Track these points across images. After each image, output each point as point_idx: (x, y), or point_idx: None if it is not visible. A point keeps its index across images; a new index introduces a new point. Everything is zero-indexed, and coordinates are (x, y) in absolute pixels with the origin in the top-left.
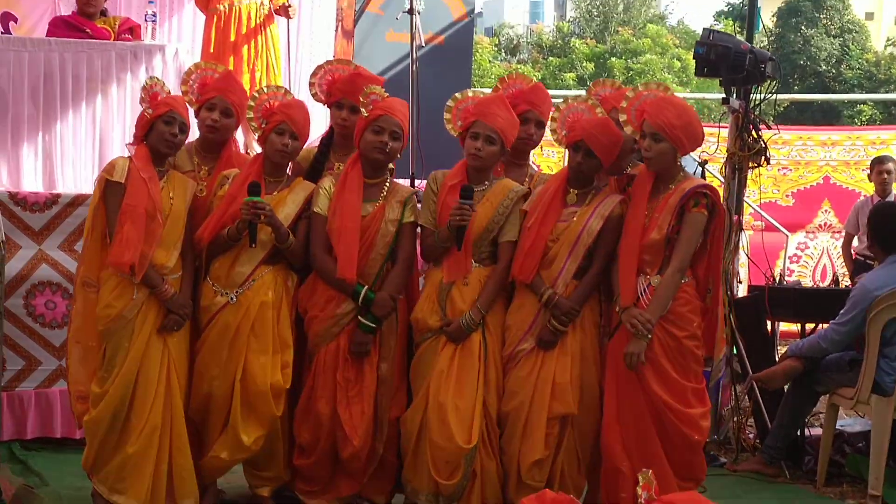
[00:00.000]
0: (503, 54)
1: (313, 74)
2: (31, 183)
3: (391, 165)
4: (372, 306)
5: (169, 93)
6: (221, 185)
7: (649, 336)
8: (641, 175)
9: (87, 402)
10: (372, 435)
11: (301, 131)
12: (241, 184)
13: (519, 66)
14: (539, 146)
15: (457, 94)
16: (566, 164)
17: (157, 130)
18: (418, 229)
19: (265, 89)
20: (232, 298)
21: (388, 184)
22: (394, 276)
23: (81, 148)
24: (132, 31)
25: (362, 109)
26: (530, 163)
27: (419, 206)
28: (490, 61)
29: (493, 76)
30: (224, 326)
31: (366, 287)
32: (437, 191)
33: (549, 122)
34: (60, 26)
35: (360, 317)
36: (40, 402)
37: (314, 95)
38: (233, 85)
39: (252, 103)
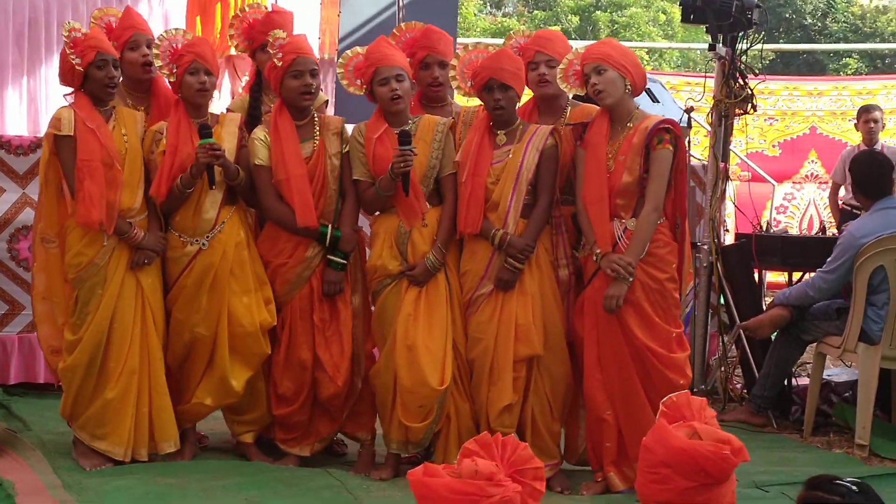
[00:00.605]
0: (488, 7)
1: (230, 26)
2: (16, 127)
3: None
4: (340, 243)
5: (85, 34)
6: (157, 142)
7: (631, 278)
8: (596, 119)
9: (60, 355)
10: (351, 371)
11: (213, 66)
12: (175, 134)
13: (504, 20)
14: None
15: (340, 59)
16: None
17: (92, 78)
18: (354, 177)
19: (164, 34)
20: (204, 244)
21: (317, 119)
22: (349, 209)
23: (66, 93)
24: None
25: (274, 60)
26: (454, 101)
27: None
28: (475, 14)
29: (478, 29)
30: (201, 273)
31: (330, 226)
32: (364, 143)
33: (451, 80)
34: None
35: (329, 256)
36: (23, 346)
37: (236, 46)
38: (138, 19)
39: (156, 51)
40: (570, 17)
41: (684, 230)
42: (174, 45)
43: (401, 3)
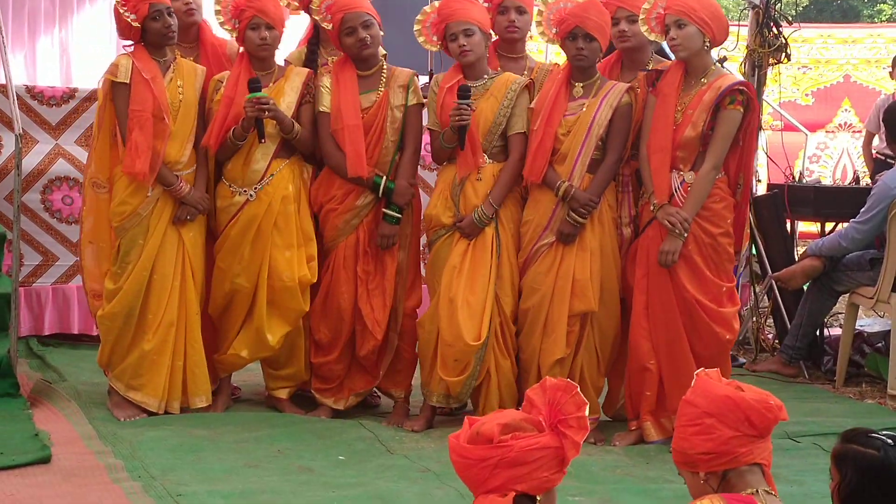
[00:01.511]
0: None
1: None
2: (48, 77)
3: (383, 52)
4: (393, 195)
5: None
6: (216, 90)
7: (685, 235)
8: (671, 69)
9: (101, 300)
10: (388, 327)
11: (275, 20)
12: (234, 85)
13: None
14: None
15: (418, 16)
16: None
17: (150, 30)
18: (426, 124)
19: None
20: (251, 195)
21: (385, 70)
22: (406, 162)
23: (98, 42)
24: None
25: (323, 24)
26: (528, 54)
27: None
28: None
29: None
30: (246, 223)
31: (384, 177)
32: (437, 93)
33: (537, 26)
34: None
35: (384, 209)
36: (57, 297)
37: (287, 4)
38: None
39: (218, 6)
40: None
41: (747, 190)
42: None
43: None
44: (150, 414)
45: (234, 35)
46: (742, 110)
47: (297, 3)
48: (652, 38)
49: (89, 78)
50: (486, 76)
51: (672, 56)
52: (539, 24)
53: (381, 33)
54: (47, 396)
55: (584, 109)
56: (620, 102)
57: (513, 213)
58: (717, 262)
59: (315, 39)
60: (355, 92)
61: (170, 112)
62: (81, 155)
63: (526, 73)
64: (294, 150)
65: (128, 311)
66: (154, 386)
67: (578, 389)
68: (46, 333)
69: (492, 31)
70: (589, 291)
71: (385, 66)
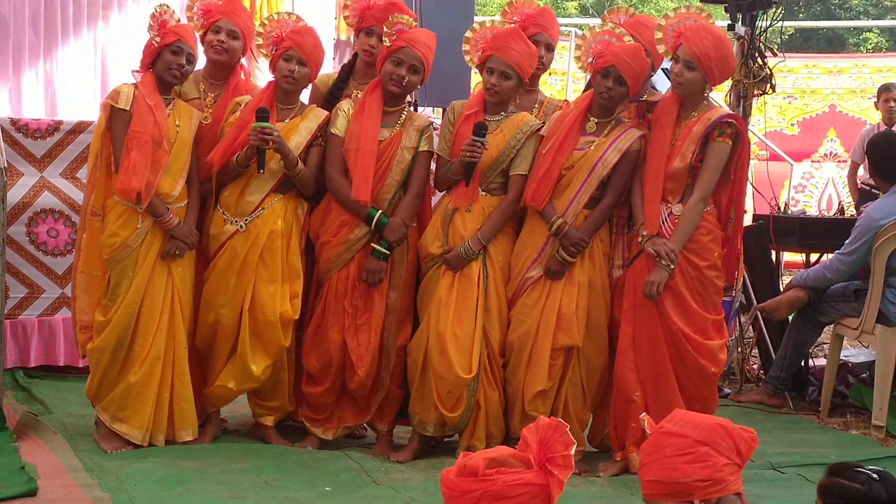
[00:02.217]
0: None
1: None
2: (33, 110)
3: (408, 98)
4: (385, 231)
5: (178, 21)
6: (233, 112)
7: (672, 266)
8: (666, 101)
9: (89, 332)
10: (378, 364)
11: (310, 57)
12: (251, 110)
13: None
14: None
15: (475, 25)
16: (588, 90)
17: (164, 59)
18: (433, 159)
19: (276, 16)
20: (241, 226)
21: (405, 112)
22: (406, 203)
23: (83, 75)
24: None
25: (385, 38)
26: (539, 89)
27: (436, 136)
28: None
29: (495, 4)
30: (233, 254)
31: (379, 211)
32: (454, 120)
33: (573, 50)
34: None
35: (373, 244)
36: (43, 330)
37: (346, 18)
38: (237, 7)
39: (261, 30)
40: None
41: (738, 224)
42: (280, 28)
43: None
44: (137, 446)
45: (269, 61)
46: (731, 143)
47: (352, 22)
48: (661, 50)
49: (74, 111)
50: (503, 113)
51: (660, 87)
52: (578, 47)
53: (420, 85)
54: (33, 429)
55: (593, 148)
56: (630, 148)
57: (503, 246)
58: (704, 294)
59: (349, 67)
60: (378, 120)
61: (169, 140)
62: (66, 187)
63: (536, 105)
64: (292, 188)
65: (117, 344)
66: (139, 418)
67: (568, 429)
68: (32, 365)
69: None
70: (574, 326)
71: (407, 108)
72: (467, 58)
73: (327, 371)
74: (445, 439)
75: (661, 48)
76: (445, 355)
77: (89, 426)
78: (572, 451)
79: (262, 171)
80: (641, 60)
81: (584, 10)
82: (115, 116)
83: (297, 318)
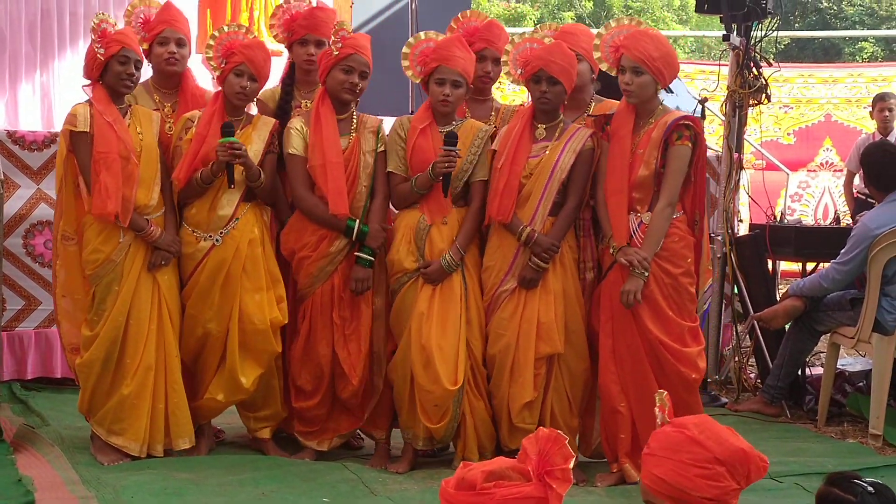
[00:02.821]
0: None
1: (272, 16)
2: (29, 122)
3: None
4: (367, 239)
5: (116, 27)
6: (186, 129)
7: (646, 274)
8: (621, 111)
9: (79, 353)
10: (370, 371)
11: (260, 72)
12: (206, 124)
13: (518, 6)
14: (498, 83)
15: (410, 39)
16: (528, 101)
17: (112, 71)
18: (388, 169)
19: (226, 27)
20: (217, 240)
21: (355, 116)
22: (377, 207)
23: (79, 87)
24: None
25: (332, 47)
26: (493, 97)
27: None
28: (488, 1)
29: (491, 15)
30: (214, 268)
31: (358, 221)
32: (406, 136)
33: (502, 65)
34: None
35: (357, 253)
36: (40, 342)
37: (275, 36)
38: (176, 14)
39: (212, 42)
40: (583, 2)
41: (703, 226)
42: (230, 40)
43: None
44: (134, 458)
45: (217, 74)
46: (690, 145)
47: (283, 38)
48: (603, 67)
49: None
50: (454, 122)
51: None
52: (505, 63)
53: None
54: (30, 441)
55: (547, 153)
56: (584, 147)
57: (476, 258)
58: (679, 302)
59: (290, 80)
60: (336, 131)
61: (136, 152)
62: None
63: (492, 114)
64: (255, 195)
65: (105, 357)
66: (135, 430)
67: (567, 442)
68: (29, 378)
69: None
70: (554, 334)
71: (355, 112)
72: (408, 73)
73: (319, 385)
74: (439, 450)
75: (603, 66)
76: (431, 368)
77: (86, 438)
78: (571, 464)
79: (232, 185)
80: (565, 56)
81: (580, 20)
82: (77, 140)
83: (286, 321)
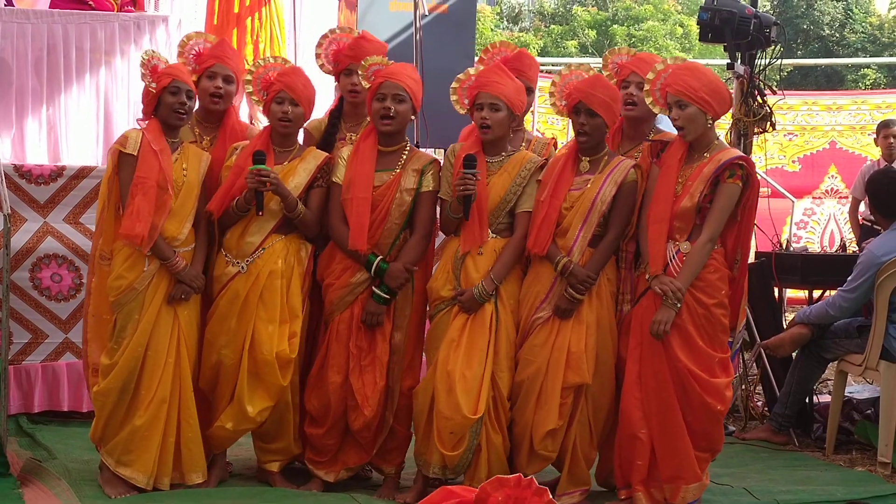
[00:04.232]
0: (505, 23)
1: (318, 46)
2: (36, 155)
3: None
4: (385, 277)
5: (167, 62)
6: (230, 157)
7: (679, 305)
8: (675, 142)
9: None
10: (383, 405)
11: (301, 97)
12: (248, 155)
13: (521, 35)
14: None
15: (459, 75)
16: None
17: (164, 103)
18: (438, 200)
19: (262, 61)
20: (242, 268)
21: (406, 152)
22: (410, 247)
23: (86, 120)
24: (135, 2)
25: (363, 82)
26: (525, 128)
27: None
28: (492, 30)
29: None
30: (234, 295)
31: (379, 257)
32: (454, 161)
33: (548, 97)
34: None
35: (373, 287)
36: (47, 375)
37: (321, 66)
38: (229, 52)
39: (249, 77)
40: (586, 32)
41: (744, 265)
42: (269, 72)
43: (418, 25)
44: (141, 491)
45: (261, 107)
46: (741, 184)
47: (329, 68)
48: (656, 110)
49: (77, 156)
50: (503, 153)
51: (670, 128)
52: (552, 94)
53: (413, 117)
54: (37, 475)
55: (589, 185)
56: (626, 179)
57: (513, 289)
58: (711, 332)
59: (338, 112)
60: (371, 166)
61: (173, 185)
62: (70, 233)
63: (524, 144)
64: (292, 228)
65: (122, 387)
66: (143, 462)
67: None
68: (36, 411)
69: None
70: (583, 364)
71: (407, 148)
72: (457, 107)
73: (327, 412)
74: (449, 480)
75: (655, 109)
76: (452, 395)
77: (93, 471)
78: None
79: (260, 213)
80: (604, 86)
81: (583, 49)
82: (123, 161)
83: (294, 356)
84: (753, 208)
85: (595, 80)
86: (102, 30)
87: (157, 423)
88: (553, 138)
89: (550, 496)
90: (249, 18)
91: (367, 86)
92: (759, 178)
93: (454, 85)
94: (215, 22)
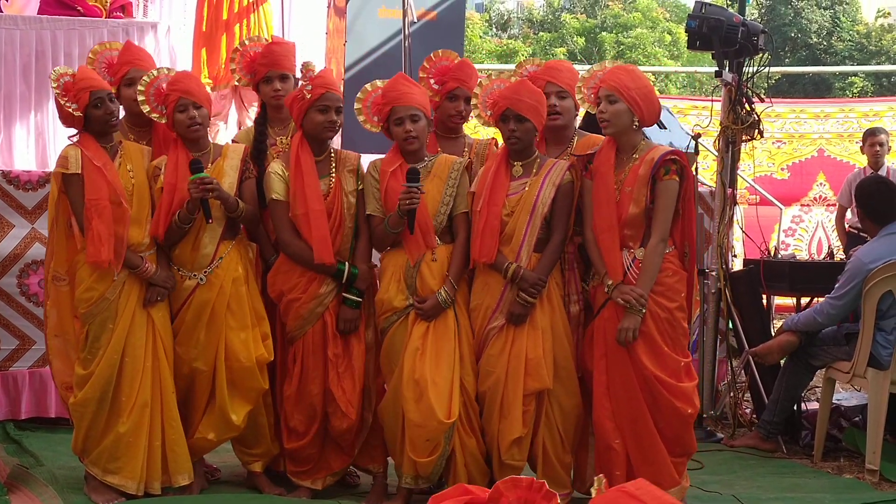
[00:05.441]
0: (494, 30)
1: (232, 62)
2: (24, 162)
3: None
4: (356, 281)
5: (72, 76)
6: (155, 178)
7: (643, 310)
8: (603, 149)
9: (73, 390)
10: (362, 405)
11: (201, 98)
12: (174, 170)
13: (510, 42)
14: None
15: (359, 94)
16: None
17: (92, 118)
18: (367, 211)
19: (146, 77)
20: (201, 279)
21: (332, 155)
22: (363, 246)
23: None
24: (124, 8)
25: (303, 91)
26: (463, 133)
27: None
28: (481, 37)
29: (484, 52)
30: (199, 307)
31: (347, 263)
32: (379, 178)
33: (472, 109)
34: (52, 4)
35: (345, 294)
36: (34, 381)
37: (238, 81)
38: (141, 53)
39: (142, 97)
40: (575, 39)
41: (692, 258)
42: (158, 86)
43: (407, 31)
44: (129, 497)
45: (164, 121)
46: (678, 179)
47: (247, 80)
48: (585, 107)
49: None
50: (426, 158)
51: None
52: (475, 106)
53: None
54: (24, 482)
55: (527, 188)
56: (563, 180)
57: (465, 295)
58: (674, 337)
59: (262, 119)
60: (316, 176)
61: (126, 196)
62: None
63: (466, 150)
64: (238, 231)
65: (100, 396)
66: (131, 468)
67: (552, 475)
68: (23, 417)
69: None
70: (542, 369)
71: (332, 151)
72: (361, 118)
73: (311, 424)
74: (435, 488)
75: (585, 106)
76: (424, 402)
77: (80, 478)
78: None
79: (210, 220)
80: (532, 92)
81: (572, 57)
82: (69, 182)
83: (272, 359)
84: (692, 199)
85: (520, 85)
86: (91, 36)
87: (142, 428)
88: (493, 138)
89: (558, 501)
90: (238, 25)
91: (307, 95)
92: (747, 185)
93: (357, 105)
94: (204, 28)
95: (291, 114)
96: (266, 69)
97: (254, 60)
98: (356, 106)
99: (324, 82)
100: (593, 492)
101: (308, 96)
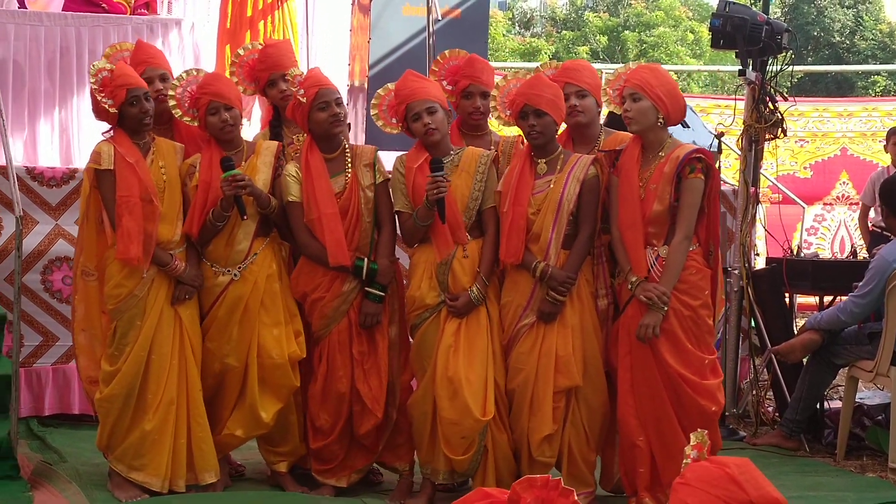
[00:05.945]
0: (517, 28)
1: (233, 75)
2: (48, 158)
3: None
4: (377, 276)
5: (111, 72)
6: (190, 176)
7: (665, 308)
8: (628, 146)
9: (97, 385)
10: (387, 402)
11: (232, 100)
12: (208, 169)
13: (533, 40)
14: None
15: (373, 101)
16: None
17: (127, 115)
18: (395, 207)
19: (176, 81)
20: (235, 275)
21: (348, 150)
22: (385, 240)
23: (97, 123)
24: (148, 5)
25: (298, 98)
26: (490, 129)
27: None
28: (504, 35)
29: (507, 50)
30: (233, 303)
31: (366, 259)
32: (405, 174)
33: (492, 110)
34: (76, 0)
35: (367, 288)
36: (58, 378)
37: (244, 91)
38: (152, 51)
39: (173, 102)
40: (598, 37)
41: (717, 257)
42: (189, 89)
43: (431, 29)
44: (153, 494)
45: (196, 124)
46: (703, 177)
47: (252, 88)
48: (610, 108)
49: (89, 158)
50: (452, 152)
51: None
52: (494, 108)
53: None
54: (48, 478)
55: (552, 186)
56: (587, 175)
57: (497, 290)
58: (698, 334)
59: (276, 121)
60: (327, 178)
61: (157, 194)
62: None
63: (492, 147)
64: (271, 228)
65: (127, 393)
66: (156, 465)
67: (576, 472)
68: (47, 414)
69: (452, 110)
70: (572, 367)
71: (347, 146)
72: (380, 123)
73: (337, 422)
74: (458, 484)
75: (612, 107)
76: (459, 399)
77: (104, 475)
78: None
79: (245, 217)
80: (548, 87)
81: (595, 55)
82: (101, 178)
83: (304, 356)
84: (717, 198)
85: (535, 80)
86: (115, 33)
87: (167, 425)
88: (519, 136)
89: (575, 497)
90: (262, 22)
91: (303, 99)
92: (770, 184)
93: (373, 111)
94: (228, 25)
95: (297, 123)
96: (268, 73)
97: (253, 68)
98: (373, 112)
99: (313, 82)
100: (688, 450)
101: (304, 100)
